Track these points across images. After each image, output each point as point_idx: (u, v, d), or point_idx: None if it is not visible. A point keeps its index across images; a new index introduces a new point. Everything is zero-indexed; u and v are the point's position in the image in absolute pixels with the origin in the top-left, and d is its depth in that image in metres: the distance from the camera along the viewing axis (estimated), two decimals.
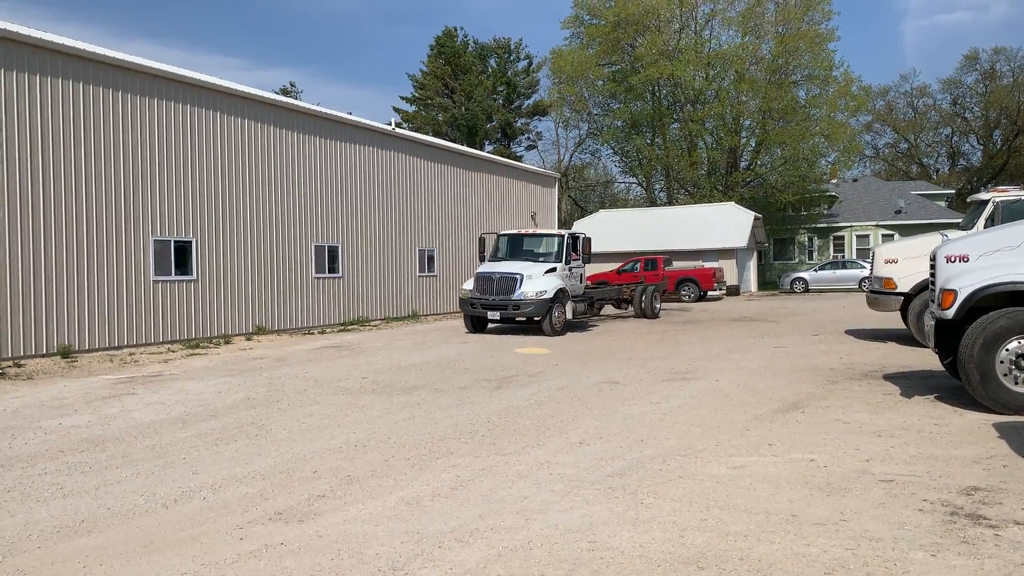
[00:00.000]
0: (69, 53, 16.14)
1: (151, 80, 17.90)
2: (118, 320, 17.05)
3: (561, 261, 19.51)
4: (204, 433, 8.82)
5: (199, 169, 19.05)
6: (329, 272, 23.12)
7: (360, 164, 24.53)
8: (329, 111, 24.23)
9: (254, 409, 10.22)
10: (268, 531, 5.53)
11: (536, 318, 18.63)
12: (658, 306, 24.69)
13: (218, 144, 19.54)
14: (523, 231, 20.76)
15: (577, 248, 20.33)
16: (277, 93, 46.12)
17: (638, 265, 35.04)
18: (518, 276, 18.56)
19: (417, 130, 50.15)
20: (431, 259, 27.81)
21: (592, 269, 38.25)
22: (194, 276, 18.87)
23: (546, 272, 18.96)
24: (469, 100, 54.80)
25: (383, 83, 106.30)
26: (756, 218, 40.43)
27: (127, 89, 17.32)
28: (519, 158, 55.78)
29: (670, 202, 52.93)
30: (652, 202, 54.86)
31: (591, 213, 51.29)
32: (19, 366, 14.43)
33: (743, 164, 51.22)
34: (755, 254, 42.80)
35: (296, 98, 52.69)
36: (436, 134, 49.60)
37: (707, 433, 8.20)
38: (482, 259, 20.61)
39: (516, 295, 18.37)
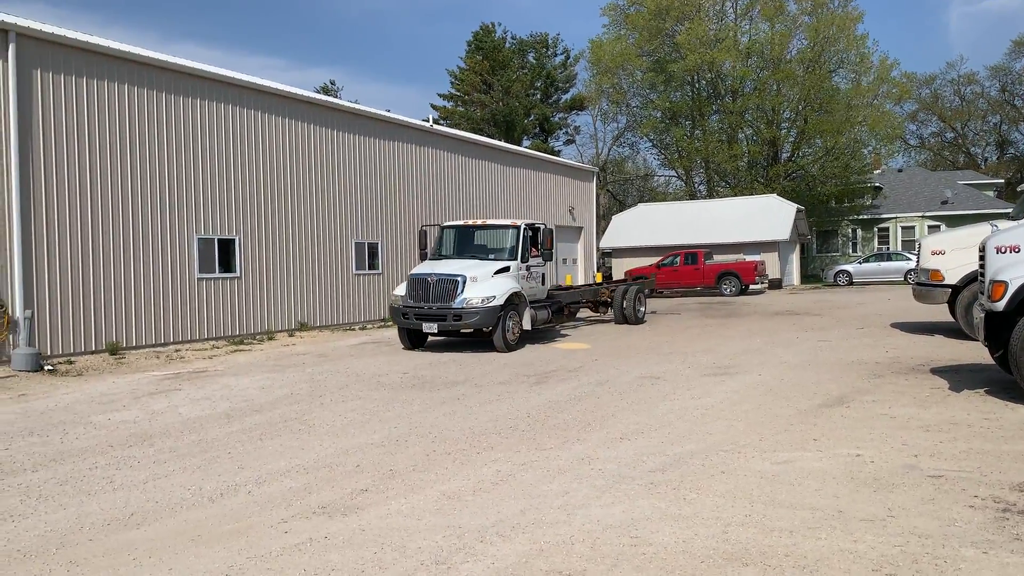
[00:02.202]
0: (115, 56, 16.46)
1: (194, 81, 18.18)
2: (164, 317, 17.38)
3: (516, 258, 16.26)
4: (248, 428, 8.97)
5: (242, 168, 19.30)
6: (369, 269, 23.30)
7: (399, 161, 24.66)
8: (368, 109, 24.39)
9: (297, 404, 10.35)
10: (312, 525, 5.59)
11: (485, 329, 15.37)
12: (643, 309, 21.28)
13: (260, 143, 19.78)
14: (470, 222, 17.52)
15: (538, 242, 16.89)
16: (317, 92, 46.59)
17: (677, 259, 34.76)
18: (459, 278, 15.29)
19: (455, 126, 50.29)
20: None
21: (632, 263, 38.05)
22: (237, 273, 19.14)
23: (496, 273, 15.74)
24: (507, 95, 54.80)
25: (422, 80, 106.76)
26: (798, 210, 39.82)
27: (170, 90, 17.61)
28: (557, 153, 55.60)
29: (710, 195, 52.35)
30: (692, 195, 54.31)
31: (630, 207, 50.95)
32: (70, 363, 14.79)
33: (784, 156, 50.46)
34: (798, 247, 42.17)
35: (336, 96, 53.14)
36: (474, 130, 49.65)
37: (750, 428, 8.10)
38: (423, 256, 17.43)
39: (457, 302, 15.12)
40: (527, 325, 15.97)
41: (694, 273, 34.14)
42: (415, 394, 10.96)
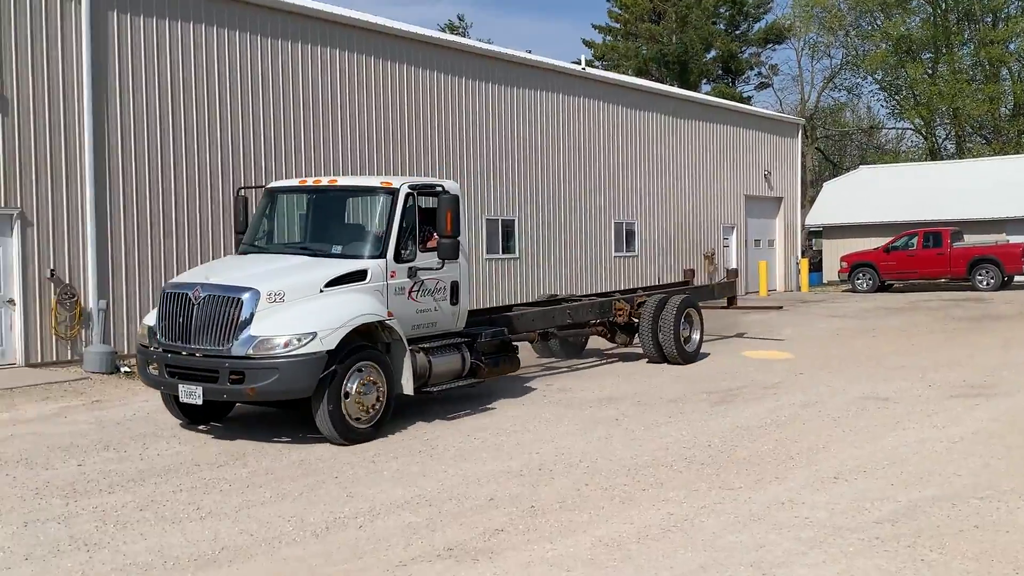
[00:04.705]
0: None
1: (287, 18, 18.77)
2: None
3: (382, 253, 10.85)
4: (359, 447, 9.37)
5: (350, 124, 19.96)
6: (503, 252, 23.61)
7: (541, 115, 24.84)
8: (503, 50, 24.67)
9: (412, 419, 10.71)
10: (436, 570, 5.79)
11: (307, 397, 9.83)
12: (696, 337, 15.96)
13: (365, 92, 20.37)
14: (310, 182, 12.54)
15: (439, 222, 11.13)
16: (442, 30, 47.73)
17: (914, 240, 33.39)
18: (244, 295, 9.90)
19: (614, 68, 50.13)
20: (630, 234, 27.75)
21: (849, 245, 36.85)
22: None
23: (330, 283, 10.36)
24: (683, 26, 54.10)
25: (572, 9, 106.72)
26: None
27: (261, 31, 18.34)
28: (747, 100, 54.45)
29: (959, 154, 49.92)
30: (934, 154, 51.96)
31: (848, 170, 49.30)
32: None
33: None
34: None
35: (464, 34, 54.14)
36: (639, 72, 49.40)
37: (1015, 468, 7.82)
38: (240, 241, 12.45)
39: (239, 343, 9.71)
40: (407, 388, 10.56)
41: (937, 259, 32.72)
42: (560, 412, 11.10)
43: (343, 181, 13.02)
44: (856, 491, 7.30)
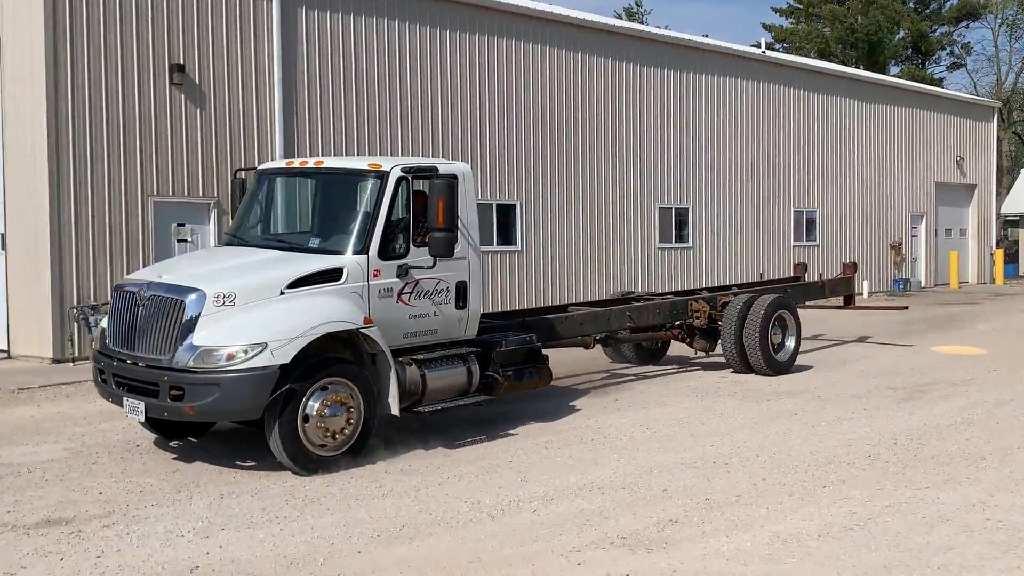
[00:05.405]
0: None
1: (447, 7, 19.17)
2: None
3: (365, 249, 9.15)
4: (532, 433, 9.53)
5: (536, 118, 20.23)
6: (676, 242, 23.40)
7: (717, 100, 24.44)
8: (678, 35, 24.44)
9: (583, 409, 10.79)
10: (610, 557, 5.84)
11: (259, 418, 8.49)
12: (790, 344, 13.77)
13: (539, 80, 20.58)
14: (296, 164, 11.17)
15: (429, 212, 9.31)
16: (619, 17, 47.60)
17: None
18: (188, 296, 8.55)
19: (796, 51, 48.81)
20: (811, 223, 27.03)
21: None
22: (518, 247, 20.16)
23: (293, 284, 8.79)
24: (868, 6, 52.21)
25: None
26: None
27: (450, 26, 18.84)
28: (938, 82, 52.07)
29: None
30: None
31: None
32: None
33: None
34: None
35: (642, 20, 53.82)
36: (821, 55, 47.92)
37: None
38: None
39: (180, 352, 8.36)
40: (393, 408, 8.96)
41: None
42: (736, 404, 11.01)
43: (329, 163, 11.17)
44: None
